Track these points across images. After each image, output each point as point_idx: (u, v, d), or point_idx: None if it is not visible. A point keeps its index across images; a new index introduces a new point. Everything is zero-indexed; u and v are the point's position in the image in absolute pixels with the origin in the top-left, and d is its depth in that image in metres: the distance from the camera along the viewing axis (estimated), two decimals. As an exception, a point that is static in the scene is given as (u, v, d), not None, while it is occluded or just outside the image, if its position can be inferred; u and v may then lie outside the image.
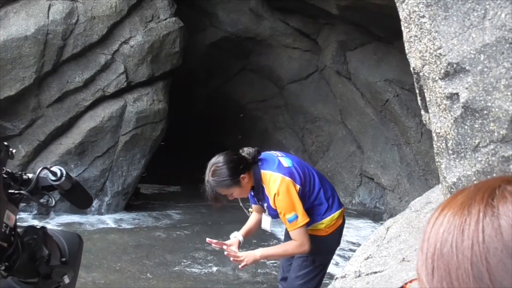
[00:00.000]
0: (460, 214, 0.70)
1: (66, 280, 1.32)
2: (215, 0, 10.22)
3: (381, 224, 8.32)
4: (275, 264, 6.60)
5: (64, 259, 1.35)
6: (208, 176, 3.63)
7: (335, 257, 6.92)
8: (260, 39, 10.44)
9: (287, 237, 4.26)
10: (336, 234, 3.99)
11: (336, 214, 3.92)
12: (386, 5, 7.04)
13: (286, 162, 3.81)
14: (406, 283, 0.82)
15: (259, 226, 4.21)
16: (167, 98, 8.58)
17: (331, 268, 6.59)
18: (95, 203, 8.07)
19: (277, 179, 3.67)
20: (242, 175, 3.63)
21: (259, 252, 3.90)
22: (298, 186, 3.72)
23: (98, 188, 8.09)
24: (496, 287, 0.64)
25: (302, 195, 3.75)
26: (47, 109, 7.93)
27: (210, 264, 6.57)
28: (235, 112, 11.18)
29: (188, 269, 6.41)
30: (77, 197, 1.42)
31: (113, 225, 7.81)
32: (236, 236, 4.17)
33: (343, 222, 4.02)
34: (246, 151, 3.79)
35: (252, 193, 3.88)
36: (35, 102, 7.85)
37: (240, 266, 3.87)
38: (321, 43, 10.12)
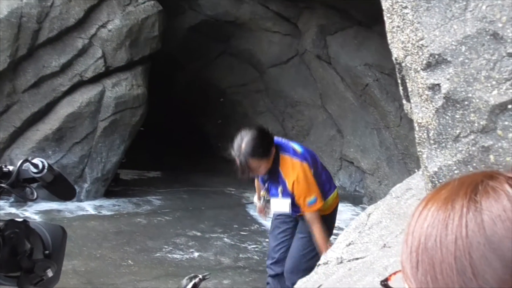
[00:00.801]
0: (444, 209, 0.71)
1: (49, 273, 1.31)
2: (194, -17, 10.13)
3: (361, 207, 8.41)
4: (256, 249, 6.64)
5: (47, 251, 1.34)
6: (240, 148, 3.85)
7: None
8: (240, 23, 10.38)
9: (277, 223, 4.37)
10: (335, 213, 4.37)
11: (335, 193, 4.29)
12: (365, -10, 7.04)
13: (297, 148, 4.05)
14: (390, 275, 0.83)
15: None
16: (146, 83, 8.51)
17: (311, 252, 6.67)
18: (75, 190, 8.01)
19: (295, 165, 3.91)
20: (252, 162, 3.87)
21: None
22: (312, 170, 3.99)
23: (77, 174, 8.02)
24: (479, 281, 0.65)
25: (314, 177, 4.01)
26: (22, 95, 7.81)
27: (191, 250, 6.59)
28: (215, 97, 11.14)
29: (169, 255, 6.42)
30: (60, 189, 1.41)
31: (92, 212, 7.76)
32: (260, 204, 4.45)
33: (338, 201, 4.41)
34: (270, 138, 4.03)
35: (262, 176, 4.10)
36: (10, 87, 7.73)
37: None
38: (301, 27, 10.10)
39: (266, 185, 4.13)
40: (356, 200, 9.03)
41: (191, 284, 3.98)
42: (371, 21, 8.73)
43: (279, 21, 10.22)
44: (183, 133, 11.43)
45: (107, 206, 8.07)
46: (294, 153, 4.02)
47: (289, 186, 3.94)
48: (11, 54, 7.57)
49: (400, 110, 8.48)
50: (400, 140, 8.75)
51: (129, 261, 6.20)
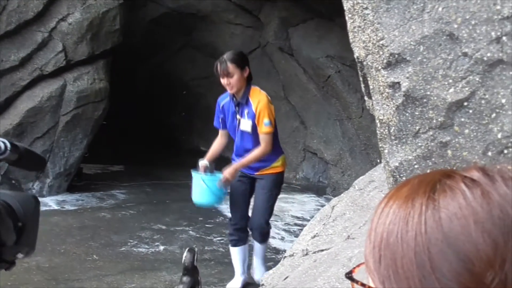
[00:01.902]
0: (405, 207, 0.74)
1: (20, 256, 1.30)
2: (155, -25, 10.04)
3: (325, 198, 8.52)
4: (221, 241, 6.67)
5: (20, 223, 1.32)
6: (224, 56, 4.89)
7: (280, 231, 7.08)
8: (202, 15, 10.34)
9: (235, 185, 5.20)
10: (284, 172, 5.34)
11: (284, 156, 5.28)
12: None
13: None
14: (354, 267, 0.86)
15: (222, 150, 5.31)
16: (108, 76, 8.41)
17: (276, 243, 6.74)
18: (36, 185, 7.89)
19: (262, 93, 4.98)
20: (233, 69, 4.83)
21: (234, 166, 5.07)
22: (274, 117, 4.96)
23: (39, 169, 7.91)
24: (437, 274, 0.69)
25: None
26: (-19, 90, 7.65)
27: (157, 243, 6.57)
28: (178, 89, 11.09)
29: (135, 249, 6.39)
30: (27, 163, 1.39)
31: (55, 207, 7.66)
32: (202, 162, 5.12)
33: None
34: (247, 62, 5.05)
35: (233, 105, 5.02)
36: (-32, 82, 7.56)
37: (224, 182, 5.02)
38: (263, 19, 10.12)
39: (237, 108, 5.02)
40: (319, 190, 9.13)
41: (195, 256, 4.80)
42: (332, 13, 8.81)
43: (241, 14, 10.22)
44: (146, 126, 11.36)
45: (70, 201, 7.98)
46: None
47: (253, 107, 4.90)
48: (-33, 48, 7.41)
49: (362, 101, 8.60)
50: (362, 131, 8.87)
51: (94, 256, 6.15)
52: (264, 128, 4.89)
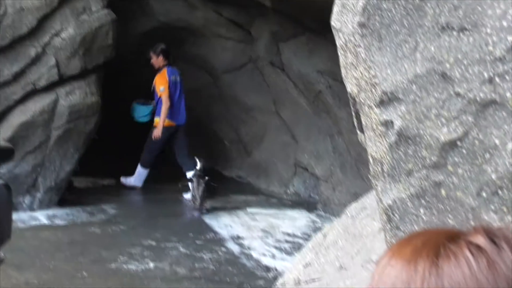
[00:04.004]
0: (407, 269, 0.73)
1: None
2: (147, -12, 10.04)
3: (316, 214, 8.51)
4: (212, 259, 6.64)
5: None
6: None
7: (270, 248, 7.06)
8: (193, 29, 10.36)
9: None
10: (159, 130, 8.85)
11: (174, 122, 8.77)
12: (318, -1, 7.12)
13: (177, 77, 8.98)
14: None
15: None
16: (100, 91, 8.41)
17: (267, 261, 6.71)
18: (27, 199, 7.84)
19: (161, 73, 8.67)
20: (152, 55, 8.87)
21: (158, 126, 8.85)
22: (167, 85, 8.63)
23: (30, 184, 7.87)
24: None
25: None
26: (-27, 104, 7.62)
27: (146, 260, 6.53)
28: (169, 103, 11.05)
29: (124, 266, 6.34)
30: None
31: (46, 222, 7.60)
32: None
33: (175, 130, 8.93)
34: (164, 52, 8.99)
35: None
36: (-39, 96, 7.53)
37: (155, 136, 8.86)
38: (254, 34, 10.14)
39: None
40: (310, 206, 9.11)
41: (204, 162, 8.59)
42: (323, 28, 8.82)
43: (232, 28, 10.24)
44: (138, 139, 11.31)
45: (61, 215, 7.92)
46: (171, 71, 8.82)
47: (154, 81, 8.74)
48: (-39, 62, 7.37)
49: (352, 117, 8.60)
50: (353, 146, 8.88)
51: (83, 272, 6.10)
52: (161, 94, 8.56)
